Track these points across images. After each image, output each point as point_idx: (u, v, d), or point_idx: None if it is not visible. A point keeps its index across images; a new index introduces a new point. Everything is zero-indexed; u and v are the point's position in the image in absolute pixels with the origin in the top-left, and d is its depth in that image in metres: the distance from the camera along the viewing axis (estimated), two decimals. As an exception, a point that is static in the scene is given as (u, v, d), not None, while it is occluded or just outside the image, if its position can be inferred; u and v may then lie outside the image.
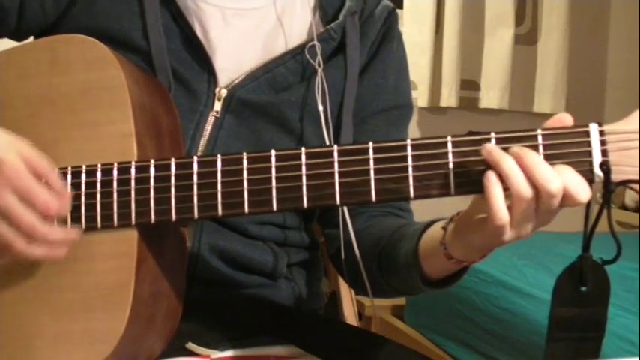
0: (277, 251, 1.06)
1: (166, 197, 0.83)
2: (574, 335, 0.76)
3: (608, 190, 0.72)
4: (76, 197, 0.85)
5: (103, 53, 0.89)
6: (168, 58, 1.00)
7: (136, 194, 0.84)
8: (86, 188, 0.85)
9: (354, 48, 1.08)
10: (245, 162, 0.82)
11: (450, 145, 0.77)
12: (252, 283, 1.05)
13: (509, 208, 0.73)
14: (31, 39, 1.07)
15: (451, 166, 0.77)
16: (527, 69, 3.18)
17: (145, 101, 0.90)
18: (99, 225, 0.85)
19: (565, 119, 0.76)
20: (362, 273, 1.03)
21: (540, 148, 0.74)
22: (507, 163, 0.73)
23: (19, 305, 0.86)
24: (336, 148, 0.80)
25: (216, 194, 0.82)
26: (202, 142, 1.02)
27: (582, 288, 0.75)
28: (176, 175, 0.84)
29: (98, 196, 0.85)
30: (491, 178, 0.73)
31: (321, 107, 1.04)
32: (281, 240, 1.07)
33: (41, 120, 0.89)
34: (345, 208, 1.05)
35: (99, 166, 0.85)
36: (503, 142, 0.75)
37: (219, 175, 0.82)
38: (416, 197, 0.78)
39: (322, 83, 1.04)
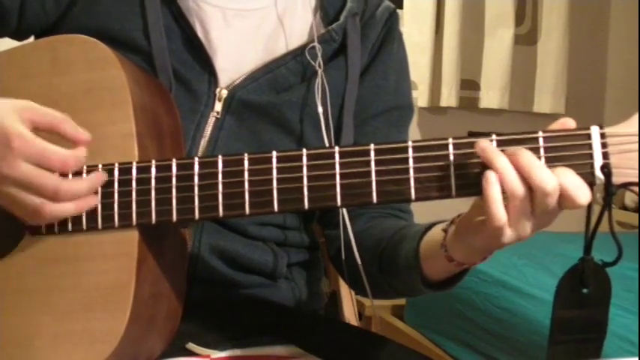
0: (277, 252, 1.06)
1: (167, 198, 0.83)
2: (576, 337, 0.76)
3: (610, 192, 0.72)
4: None
5: (104, 54, 0.89)
6: (169, 58, 1.00)
7: (137, 195, 0.84)
8: (87, 189, 0.85)
9: (354, 49, 1.08)
10: (246, 163, 0.82)
11: (451, 147, 0.77)
12: (252, 284, 1.05)
13: (507, 208, 0.73)
14: (32, 39, 1.07)
15: (452, 168, 0.77)
16: (527, 69, 3.18)
17: (146, 102, 0.90)
18: (100, 225, 0.85)
19: (568, 124, 0.76)
20: (362, 274, 1.03)
21: (541, 151, 0.74)
22: (501, 161, 0.73)
23: (19, 305, 0.86)
24: (337, 149, 0.80)
25: (217, 195, 0.82)
26: (203, 143, 1.02)
27: (584, 290, 0.76)
28: (177, 176, 0.84)
29: (99, 196, 0.85)
30: (489, 177, 0.73)
31: (320, 109, 1.04)
32: (281, 240, 1.07)
33: None
34: (345, 210, 1.05)
35: (100, 166, 0.85)
36: (504, 144, 0.75)
37: (220, 175, 0.82)
38: (417, 199, 0.78)
39: (323, 85, 1.04)
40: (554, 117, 3.07)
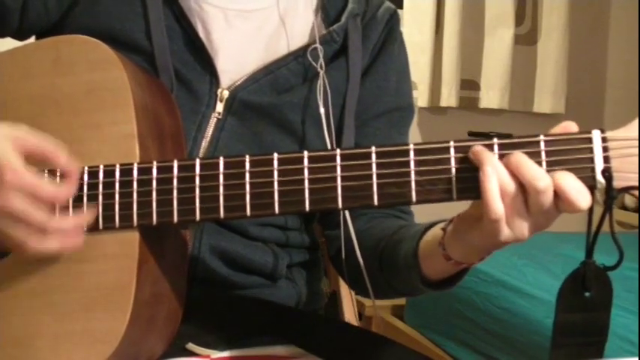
0: (278, 252, 1.06)
1: (168, 199, 0.83)
2: (578, 340, 0.76)
3: (611, 196, 0.72)
4: (78, 198, 0.85)
5: (106, 54, 0.89)
6: (171, 59, 1.00)
7: (138, 196, 0.84)
8: (88, 189, 0.85)
9: (356, 50, 1.08)
10: (247, 165, 0.82)
11: (452, 150, 0.77)
12: (253, 284, 1.05)
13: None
14: (33, 39, 1.07)
15: (453, 171, 0.77)
16: (527, 69, 3.18)
17: (147, 102, 0.90)
18: (100, 226, 0.85)
19: (570, 127, 0.76)
20: (363, 274, 1.03)
21: (542, 154, 0.75)
22: (491, 158, 0.74)
23: (19, 305, 0.86)
24: (338, 151, 0.80)
25: (218, 196, 0.82)
26: (204, 144, 1.02)
27: (586, 294, 0.76)
28: (178, 177, 0.84)
29: (100, 197, 0.85)
30: (486, 170, 0.74)
31: (322, 110, 1.04)
32: (282, 241, 1.07)
33: (44, 120, 0.88)
34: (346, 211, 1.05)
35: (101, 167, 0.85)
36: (506, 148, 0.75)
37: (221, 177, 0.82)
38: (418, 202, 0.78)
39: (324, 86, 1.04)
40: (554, 117, 3.09)
